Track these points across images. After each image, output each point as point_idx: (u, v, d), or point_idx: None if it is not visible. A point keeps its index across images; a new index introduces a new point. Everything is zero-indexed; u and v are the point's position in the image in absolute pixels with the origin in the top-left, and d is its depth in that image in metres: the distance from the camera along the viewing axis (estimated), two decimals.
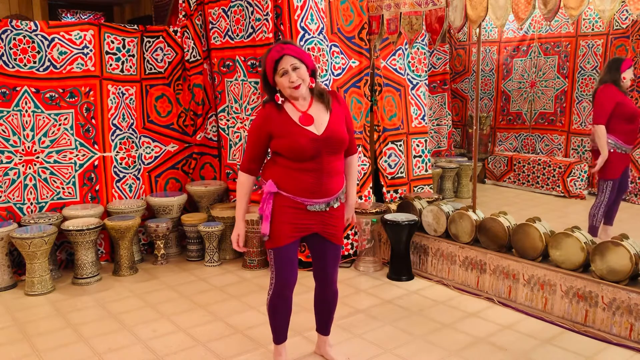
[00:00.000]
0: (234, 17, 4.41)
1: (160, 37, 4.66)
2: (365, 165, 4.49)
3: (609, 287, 3.06)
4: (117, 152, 4.54)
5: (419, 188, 4.94)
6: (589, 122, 5.90)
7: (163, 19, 6.14)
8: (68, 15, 8.39)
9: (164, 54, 4.70)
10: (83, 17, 8.49)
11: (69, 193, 4.36)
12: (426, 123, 5.04)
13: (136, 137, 4.66)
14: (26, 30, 4.07)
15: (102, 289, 3.94)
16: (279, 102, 2.41)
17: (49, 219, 4.04)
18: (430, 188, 5.03)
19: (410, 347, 2.98)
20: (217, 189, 4.70)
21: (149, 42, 4.62)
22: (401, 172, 4.80)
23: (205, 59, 4.74)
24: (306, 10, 4.05)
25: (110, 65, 4.43)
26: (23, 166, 4.17)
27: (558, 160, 5.97)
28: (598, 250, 3.12)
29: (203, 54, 4.70)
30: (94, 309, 3.59)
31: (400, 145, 4.81)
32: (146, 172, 4.73)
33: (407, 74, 4.89)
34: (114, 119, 4.49)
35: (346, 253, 4.35)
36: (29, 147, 4.18)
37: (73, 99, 4.31)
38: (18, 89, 4.09)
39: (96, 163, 4.45)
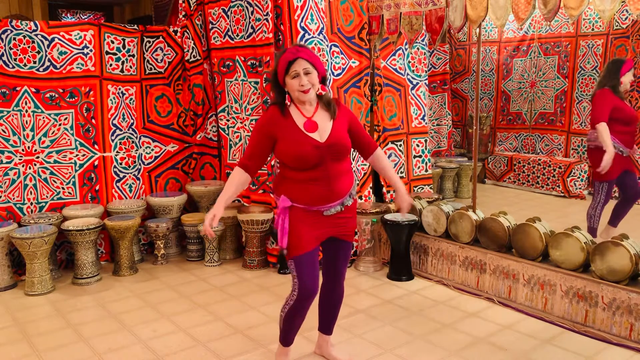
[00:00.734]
0: (234, 17, 4.41)
1: (160, 37, 4.66)
2: (365, 165, 4.49)
3: (609, 287, 3.06)
4: (117, 152, 4.54)
5: (419, 188, 4.94)
6: (589, 122, 5.89)
7: (163, 19, 6.13)
8: (68, 15, 8.39)
9: (164, 54, 4.70)
10: (83, 17, 8.49)
11: (69, 193, 4.36)
12: (426, 123, 5.04)
13: (136, 137, 4.66)
14: (26, 30, 4.07)
15: (102, 289, 3.95)
16: (289, 102, 2.42)
17: (49, 219, 4.04)
18: (430, 188, 5.03)
19: (410, 347, 2.98)
20: (217, 189, 4.70)
21: (149, 42, 4.62)
22: (401, 172, 4.80)
23: (205, 59, 4.74)
24: (306, 10, 4.05)
25: (110, 65, 4.44)
26: (23, 166, 4.17)
27: (558, 160, 5.97)
28: (598, 250, 3.12)
29: (203, 54, 4.70)
30: (94, 309, 3.59)
31: (400, 145, 4.82)
32: (146, 172, 4.73)
33: (407, 74, 4.89)
34: (114, 119, 4.49)
35: None
36: (29, 147, 4.18)
37: (73, 99, 4.31)
38: (18, 89, 4.10)
39: (96, 163, 4.45)
